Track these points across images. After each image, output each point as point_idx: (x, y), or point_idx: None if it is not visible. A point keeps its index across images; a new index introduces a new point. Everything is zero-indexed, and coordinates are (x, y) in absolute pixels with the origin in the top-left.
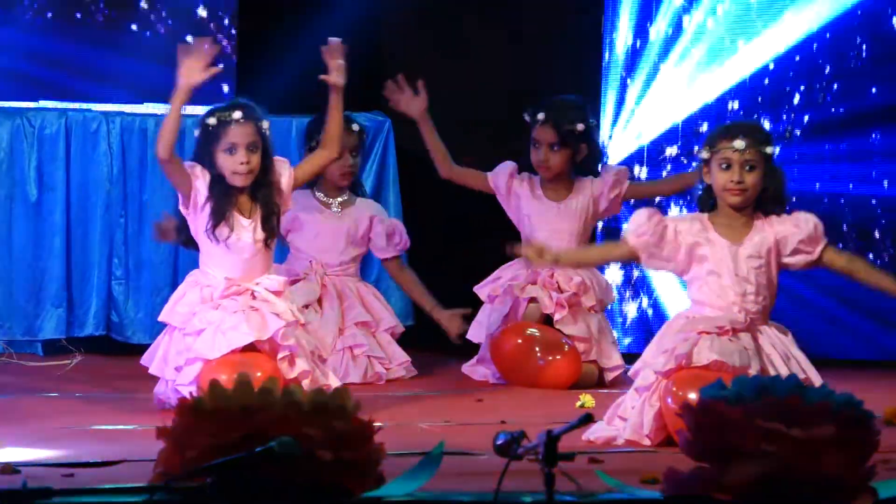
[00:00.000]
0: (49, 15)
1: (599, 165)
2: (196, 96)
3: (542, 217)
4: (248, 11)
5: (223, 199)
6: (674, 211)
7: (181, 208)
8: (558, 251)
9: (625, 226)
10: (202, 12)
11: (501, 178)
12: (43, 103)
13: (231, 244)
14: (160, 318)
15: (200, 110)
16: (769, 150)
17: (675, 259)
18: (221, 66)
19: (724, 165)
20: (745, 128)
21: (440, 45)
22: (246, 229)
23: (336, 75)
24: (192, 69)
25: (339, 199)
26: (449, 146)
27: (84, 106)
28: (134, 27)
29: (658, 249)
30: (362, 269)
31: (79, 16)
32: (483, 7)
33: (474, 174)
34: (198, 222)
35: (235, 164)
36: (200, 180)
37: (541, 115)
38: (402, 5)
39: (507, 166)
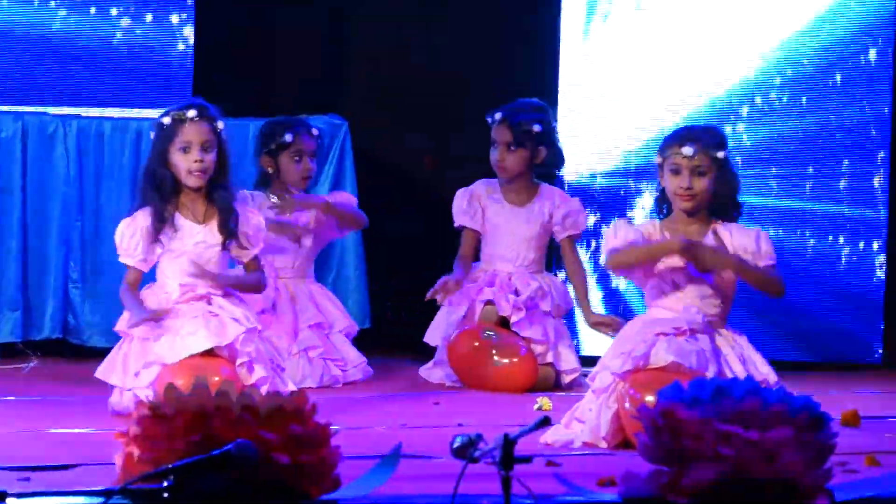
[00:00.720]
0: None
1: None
2: (153, 99)
3: (503, 220)
4: (205, 13)
5: (165, 204)
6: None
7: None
8: None
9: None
10: (158, 15)
11: (464, 207)
12: None
13: (176, 247)
14: (116, 329)
15: (156, 113)
16: (721, 154)
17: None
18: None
19: (673, 171)
20: (696, 133)
21: (400, 45)
22: (197, 234)
23: None
24: None
25: None
26: (412, 144)
27: (40, 109)
28: (89, 32)
29: None
30: (320, 269)
31: (35, 20)
32: (446, 7)
33: (466, 243)
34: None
35: (190, 162)
36: (145, 232)
37: (498, 115)
38: (361, 6)
39: (458, 199)
